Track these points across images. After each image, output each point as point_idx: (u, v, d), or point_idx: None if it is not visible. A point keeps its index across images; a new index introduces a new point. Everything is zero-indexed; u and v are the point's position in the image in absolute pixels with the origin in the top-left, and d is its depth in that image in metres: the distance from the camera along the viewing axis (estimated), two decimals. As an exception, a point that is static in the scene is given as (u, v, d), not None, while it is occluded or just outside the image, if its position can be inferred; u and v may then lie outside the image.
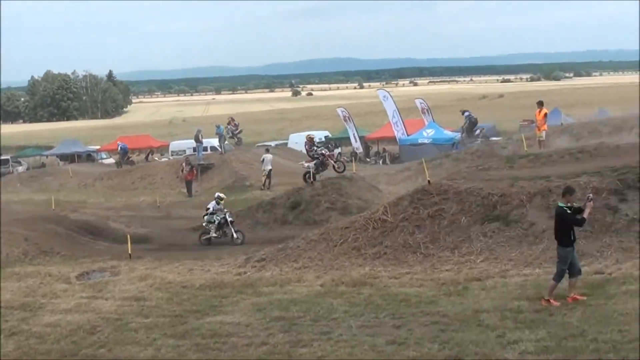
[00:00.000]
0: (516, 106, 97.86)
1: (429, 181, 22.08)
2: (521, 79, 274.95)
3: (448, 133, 58.31)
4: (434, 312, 14.52)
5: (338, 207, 28.73)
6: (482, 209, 19.68)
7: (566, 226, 14.20)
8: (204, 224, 28.47)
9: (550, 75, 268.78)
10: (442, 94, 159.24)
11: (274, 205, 30.29)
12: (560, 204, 14.36)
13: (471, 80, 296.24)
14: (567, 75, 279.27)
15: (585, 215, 14.11)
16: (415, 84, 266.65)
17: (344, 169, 32.39)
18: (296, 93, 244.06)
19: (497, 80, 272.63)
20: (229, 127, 52.58)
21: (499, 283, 16.29)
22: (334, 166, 31.54)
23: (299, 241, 21.63)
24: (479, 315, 13.86)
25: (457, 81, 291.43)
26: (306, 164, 31.51)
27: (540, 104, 30.93)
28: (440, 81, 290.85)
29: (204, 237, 28.22)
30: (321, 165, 31.28)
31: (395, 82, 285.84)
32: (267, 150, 44.29)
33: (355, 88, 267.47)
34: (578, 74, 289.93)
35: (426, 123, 60.45)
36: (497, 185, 20.53)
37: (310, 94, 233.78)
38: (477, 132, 48.61)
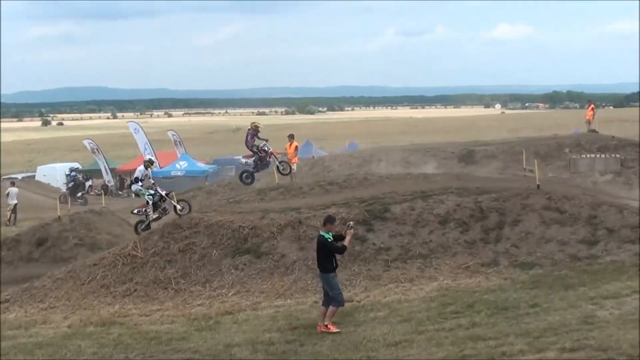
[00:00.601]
0: (270, 139, 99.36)
1: (179, 215, 21.85)
2: (276, 112, 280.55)
3: (201, 165, 58.75)
4: (185, 348, 14.31)
5: (87, 242, 27.63)
6: (234, 241, 19.82)
7: (328, 253, 14.52)
8: (135, 213, 24.67)
9: (304, 109, 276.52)
10: (197, 126, 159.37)
11: (19, 242, 28.61)
12: (322, 233, 14.65)
13: (226, 112, 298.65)
14: (320, 109, 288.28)
15: (346, 242, 14.58)
16: (170, 115, 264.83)
17: (290, 171, 29.40)
18: (46, 123, 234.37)
19: (253, 113, 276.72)
20: None
21: (250, 316, 16.42)
22: (277, 167, 28.85)
23: (44, 280, 20.66)
24: (230, 350, 13.81)
25: (212, 113, 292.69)
26: (244, 160, 28.74)
27: (291, 137, 31.57)
28: (195, 113, 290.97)
29: (143, 226, 24.01)
30: (260, 162, 28.20)
31: (150, 112, 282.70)
32: (13, 184, 42.44)
33: (108, 118, 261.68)
34: (331, 109, 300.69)
35: (179, 155, 60.51)
36: (248, 218, 20.73)
37: (61, 124, 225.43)
38: (79, 194, 52.19)
